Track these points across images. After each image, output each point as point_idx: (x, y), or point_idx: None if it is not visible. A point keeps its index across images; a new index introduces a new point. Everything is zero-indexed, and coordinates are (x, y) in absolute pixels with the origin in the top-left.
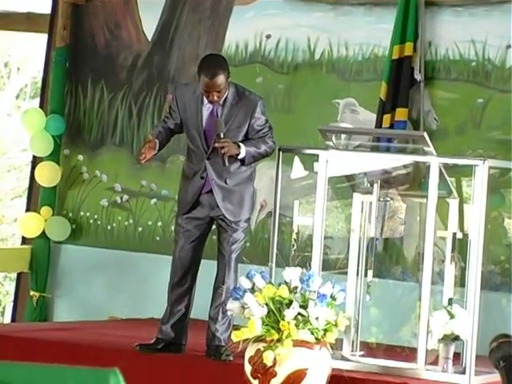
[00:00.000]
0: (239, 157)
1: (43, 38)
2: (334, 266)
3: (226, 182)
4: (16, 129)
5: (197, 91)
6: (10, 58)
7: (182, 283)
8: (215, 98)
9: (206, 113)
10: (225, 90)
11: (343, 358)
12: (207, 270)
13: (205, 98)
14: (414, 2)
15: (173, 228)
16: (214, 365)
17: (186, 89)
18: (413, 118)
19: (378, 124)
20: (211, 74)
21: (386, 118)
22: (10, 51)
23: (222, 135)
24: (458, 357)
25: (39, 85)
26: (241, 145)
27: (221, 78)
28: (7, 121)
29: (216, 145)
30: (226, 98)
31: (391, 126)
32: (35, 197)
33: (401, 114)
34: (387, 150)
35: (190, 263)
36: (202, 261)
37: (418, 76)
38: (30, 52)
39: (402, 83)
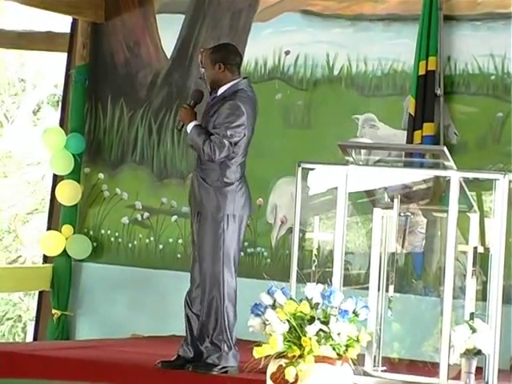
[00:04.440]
0: (184, 128)
1: (60, 55)
2: (355, 282)
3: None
4: (32, 144)
5: None
6: (26, 74)
7: None
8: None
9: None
10: (214, 78)
11: (365, 374)
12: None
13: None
14: (436, 17)
15: None
16: (236, 382)
17: None
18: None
19: (410, 140)
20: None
21: (417, 133)
22: (26, 68)
23: (189, 102)
24: (480, 371)
25: (55, 101)
26: (195, 122)
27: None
28: (24, 136)
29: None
30: (224, 91)
31: (422, 142)
32: (56, 215)
33: (428, 128)
34: (407, 164)
35: None
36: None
37: (438, 90)
38: (46, 69)
39: (427, 98)
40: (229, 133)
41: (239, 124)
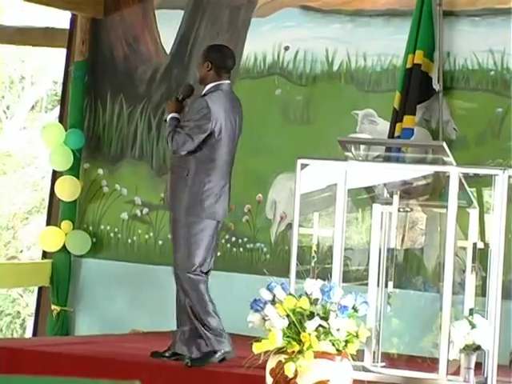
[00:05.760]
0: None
1: (59, 50)
2: (354, 277)
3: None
4: (31, 144)
5: None
6: (24, 71)
7: None
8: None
9: None
10: (201, 74)
11: (365, 369)
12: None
13: None
14: (427, 12)
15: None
16: (235, 377)
17: None
18: (432, 127)
19: (392, 133)
20: None
21: (398, 126)
22: (25, 64)
23: (178, 96)
24: (479, 367)
25: (55, 98)
26: (172, 114)
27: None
28: (22, 133)
29: None
30: (206, 91)
31: (400, 135)
32: (55, 211)
33: (408, 121)
34: (406, 160)
35: None
36: (221, 273)
37: (437, 86)
38: (45, 64)
39: (410, 91)
40: (191, 126)
41: (202, 119)
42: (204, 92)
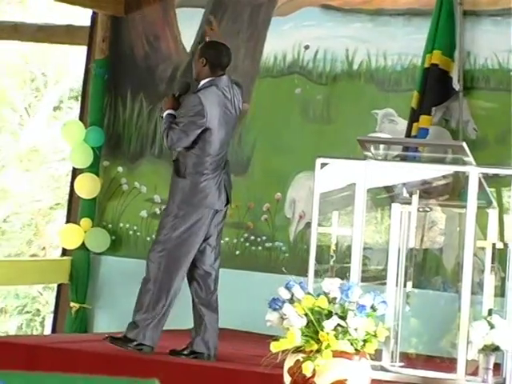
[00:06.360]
0: (161, 114)
1: (81, 49)
2: (373, 277)
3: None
4: (54, 140)
5: None
6: (47, 69)
7: None
8: None
9: None
10: (196, 70)
11: (383, 369)
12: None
13: None
14: (446, 11)
15: None
16: (253, 375)
17: None
18: (452, 128)
19: (408, 133)
20: None
21: (415, 126)
22: (48, 62)
23: (175, 92)
24: (498, 367)
25: (76, 95)
26: (169, 111)
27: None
28: (46, 132)
29: None
30: (200, 86)
31: (417, 134)
32: (75, 208)
33: (424, 121)
34: (423, 160)
35: None
36: (239, 271)
37: (457, 86)
38: (67, 63)
39: (427, 91)
40: (185, 122)
41: (196, 116)
42: (198, 88)
